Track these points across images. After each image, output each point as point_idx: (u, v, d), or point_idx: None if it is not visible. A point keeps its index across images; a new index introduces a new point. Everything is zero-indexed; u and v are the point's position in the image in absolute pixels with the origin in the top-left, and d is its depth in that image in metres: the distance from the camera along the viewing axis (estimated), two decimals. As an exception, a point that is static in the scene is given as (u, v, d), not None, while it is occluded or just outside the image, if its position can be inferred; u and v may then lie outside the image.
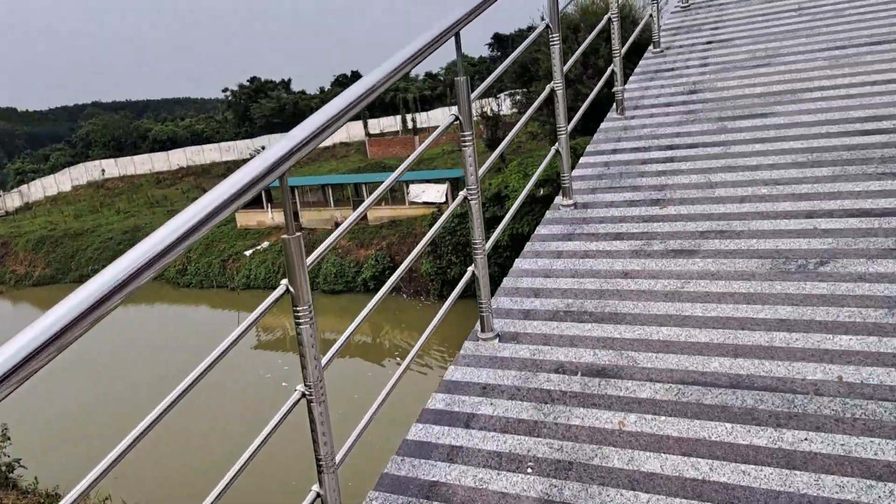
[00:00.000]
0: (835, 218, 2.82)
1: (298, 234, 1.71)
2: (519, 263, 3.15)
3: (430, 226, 29.53)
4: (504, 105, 41.53)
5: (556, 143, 3.45)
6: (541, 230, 3.37)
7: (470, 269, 2.62)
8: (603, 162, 3.84)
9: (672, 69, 4.70)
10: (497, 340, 2.65)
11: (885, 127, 3.33)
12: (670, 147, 3.77)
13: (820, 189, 3.03)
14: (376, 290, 32.13)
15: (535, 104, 3.37)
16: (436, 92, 57.58)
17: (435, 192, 34.98)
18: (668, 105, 4.24)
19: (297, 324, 1.74)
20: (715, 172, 3.40)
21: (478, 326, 2.70)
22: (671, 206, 3.24)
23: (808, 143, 3.39)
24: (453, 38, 2.43)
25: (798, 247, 2.72)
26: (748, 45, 4.65)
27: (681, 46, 5.01)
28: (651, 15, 4.99)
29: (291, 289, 1.72)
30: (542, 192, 22.35)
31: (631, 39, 4.65)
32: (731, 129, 3.75)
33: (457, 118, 2.51)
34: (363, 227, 34.11)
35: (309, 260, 1.77)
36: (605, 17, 4.20)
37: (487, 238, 2.69)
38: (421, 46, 2.22)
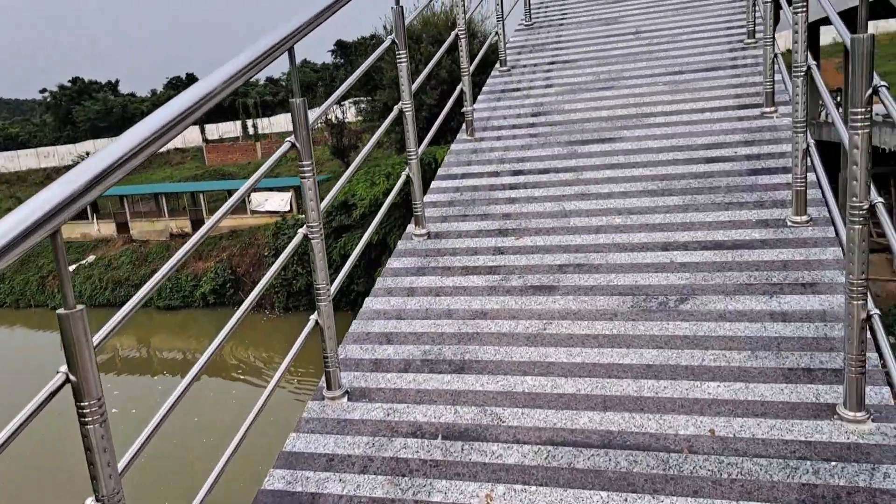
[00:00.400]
0: (690, 251, 2.77)
1: (81, 308, 1.31)
2: (369, 303, 2.85)
3: (274, 236, 28.50)
4: (349, 113, 41.08)
5: (407, 168, 3.20)
6: (392, 263, 3.09)
7: (312, 317, 2.29)
8: (454, 187, 3.63)
9: (518, 89, 4.61)
10: (346, 399, 2.33)
11: (727, 154, 3.37)
12: (521, 172, 3.63)
13: (672, 219, 2.98)
14: (216, 304, 30.58)
15: (384, 126, 3.09)
16: (278, 97, 55.92)
17: (279, 201, 33.87)
18: (515, 127, 4.12)
19: (83, 423, 1.33)
20: (569, 200, 3.29)
21: (322, 382, 2.37)
22: (527, 237, 3.08)
23: (656, 171, 3.37)
24: (286, 53, 2.09)
25: (657, 282, 2.63)
26: (591, 67, 4.64)
27: (525, 66, 4.94)
28: (497, 33, 4.88)
29: (73, 378, 1.32)
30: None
31: (479, 57, 4.51)
32: (581, 153, 3.67)
33: (293, 145, 2.18)
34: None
35: (97, 339, 1.37)
36: (453, 34, 4.01)
37: (332, 280, 2.37)
38: (245, 64, 1.87)
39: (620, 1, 5.78)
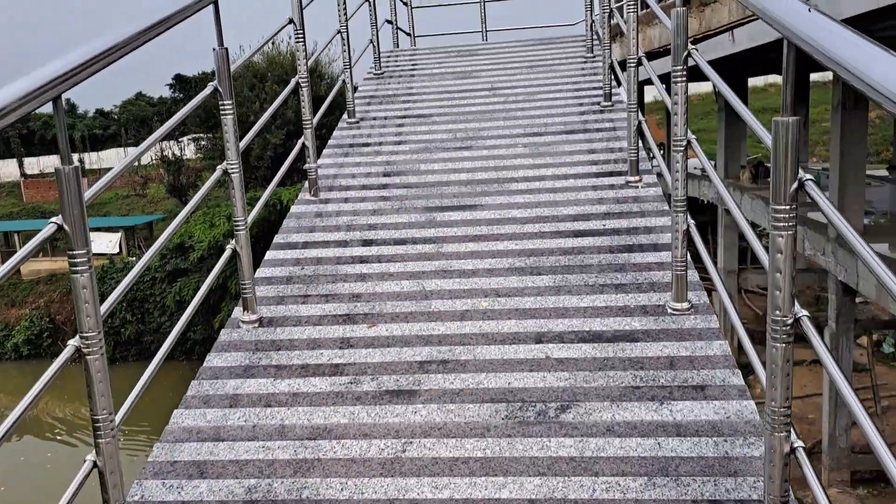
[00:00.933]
0: (566, 343, 2.42)
1: None
2: (178, 419, 2.24)
3: (101, 280, 26.07)
4: (188, 150, 39.02)
5: (234, 240, 2.63)
6: (212, 361, 2.50)
7: (89, 457, 1.67)
8: (294, 259, 3.10)
9: (368, 144, 4.17)
10: None
11: (595, 228, 3.11)
12: (374, 242, 3.17)
13: (545, 303, 2.63)
14: (31, 356, 27.58)
15: (204, 189, 2.52)
16: (109, 131, 52.31)
17: (107, 243, 31.33)
18: (366, 188, 3.67)
19: None
20: (429, 278, 2.86)
21: (104, 544, 1.74)
22: (382, 325, 2.61)
23: (523, 245, 3.03)
24: (52, 103, 1.52)
25: (533, 384, 2.24)
26: (447, 124, 4.31)
27: (375, 118, 4.53)
28: (345, 81, 4.44)
29: None
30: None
31: (324, 107, 4.02)
32: (440, 222, 3.28)
33: (60, 227, 1.58)
34: (14, 282, 29.16)
35: None
36: (293, 81, 3.52)
37: (118, 407, 1.77)
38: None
39: (473, 55, 5.56)
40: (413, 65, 5.48)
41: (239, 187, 2.56)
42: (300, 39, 3.46)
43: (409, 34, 6.62)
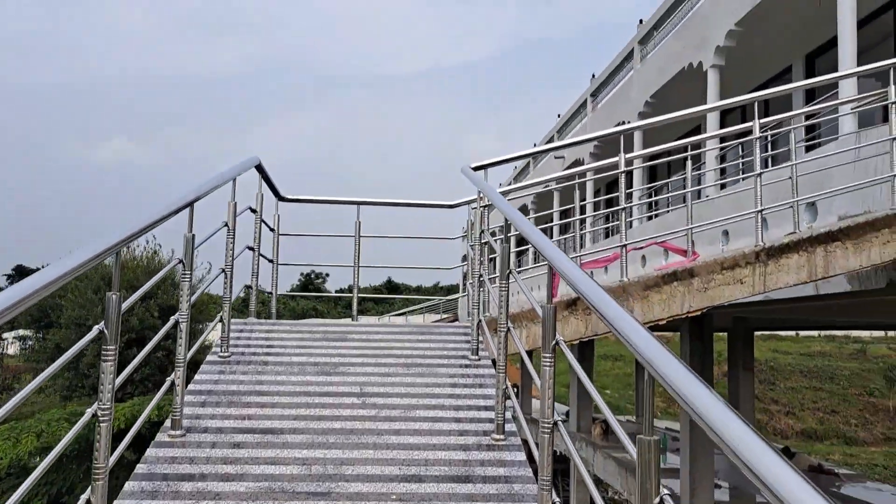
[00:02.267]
0: None
1: None
2: None
3: None
4: (11, 347, 35.10)
5: None
6: None
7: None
8: None
9: (191, 476, 3.12)
10: None
11: None
12: None
13: None
14: None
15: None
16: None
17: None
18: None
19: None
20: None
21: None
22: None
23: None
24: None
25: None
26: (301, 448, 3.37)
27: (207, 430, 3.51)
28: (175, 382, 3.44)
29: None
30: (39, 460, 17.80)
31: (126, 441, 2.95)
32: None
33: None
34: None
35: None
36: (89, 412, 2.51)
37: None
38: None
39: (342, 339, 4.78)
40: (269, 345, 4.60)
41: None
42: (108, 358, 2.52)
43: (271, 261, 5.77)
